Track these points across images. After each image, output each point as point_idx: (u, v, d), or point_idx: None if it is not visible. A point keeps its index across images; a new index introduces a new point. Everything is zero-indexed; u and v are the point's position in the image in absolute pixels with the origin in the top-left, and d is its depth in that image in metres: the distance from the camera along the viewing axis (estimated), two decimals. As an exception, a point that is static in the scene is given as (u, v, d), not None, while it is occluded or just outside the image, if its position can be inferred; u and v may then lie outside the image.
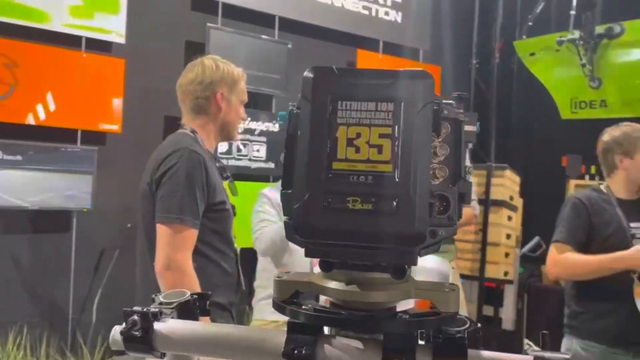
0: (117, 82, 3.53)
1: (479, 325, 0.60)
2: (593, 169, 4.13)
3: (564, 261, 2.29)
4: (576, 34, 4.10)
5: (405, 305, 0.61)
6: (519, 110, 5.02)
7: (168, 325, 0.64)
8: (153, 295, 0.71)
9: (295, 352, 0.57)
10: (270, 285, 3.10)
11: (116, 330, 0.79)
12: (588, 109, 4.17)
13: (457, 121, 0.46)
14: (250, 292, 3.03)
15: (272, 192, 2.97)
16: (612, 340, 2.27)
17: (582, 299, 2.43)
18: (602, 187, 2.49)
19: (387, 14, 4.64)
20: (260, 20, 4.04)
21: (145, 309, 0.64)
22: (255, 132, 3.98)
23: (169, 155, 1.75)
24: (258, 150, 4.01)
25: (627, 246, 2.28)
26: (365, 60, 4.54)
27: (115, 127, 3.56)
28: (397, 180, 0.40)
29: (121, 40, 3.51)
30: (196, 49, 3.56)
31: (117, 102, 3.55)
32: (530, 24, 4.70)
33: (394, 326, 0.57)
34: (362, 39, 4.50)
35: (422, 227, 0.39)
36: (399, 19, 4.71)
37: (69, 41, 3.37)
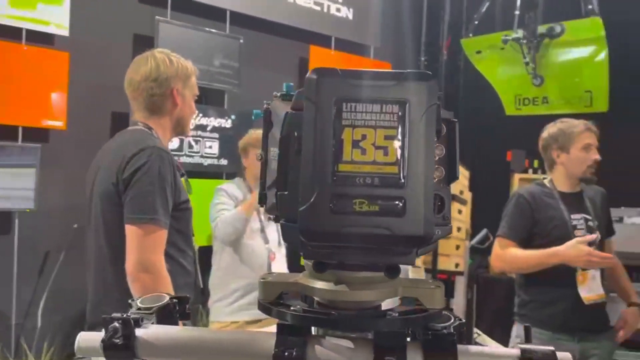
0: (60, 76, 3.37)
1: (463, 320, 0.62)
2: (536, 163, 4.31)
3: (507, 256, 2.39)
4: (520, 33, 4.26)
5: (391, 303, 0.62)
6: (466, 106, 5.17)
7: (150, 332, 0.62)
8: (130, 301, 0.69)
9: (286, 354, 0.56)
10: (224, 285, 3.05)
11: (82, 337, 0.76)
12: (531, 105, 4.34)
13: (451, 122, 0.46)
14: (204, 291, 2.99)
15: (230, 186, 3.00)
16: (557, 326, 2.38)
17: (530, 288, 2.54)
18: (546, 182, 2.61)
19: (338, 10, 4.66)
20: (211, 14, 3.97)
21: (125, 316, 0.61)
22: (208, 129, 3.91)
23: (135, 154, 1.70)
24: (210, 147, 3.95)
25: (568, 237, 2.40)
26: (318, 56, 4.54)
27: (59, 124, 3.41)
28: (403, 181, 0.40)
29: (65, 32, 3.36)
30: (144, 43, 3.45)
31: (61, 98, 3.40)
32: (476, 22, 4.84)
33: (385, 325, 0.57)
34: (314, 35, 4.50)
35: (429, 228, 0.40)
36: (350, 16, 4.74)
37: (9, 33, 3.20)
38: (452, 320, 0.61)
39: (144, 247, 1.67)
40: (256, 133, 3.11)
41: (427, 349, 0.56)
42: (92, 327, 1.83)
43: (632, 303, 2.54)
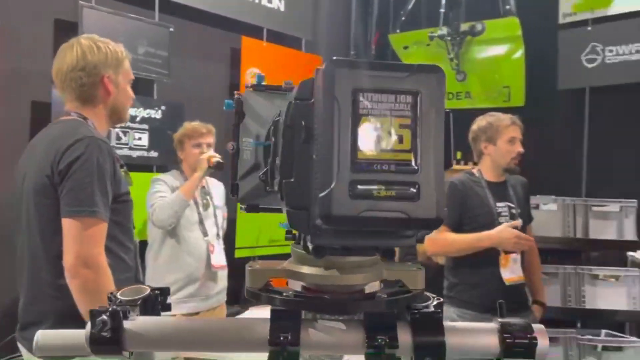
0: (-27, 62, 3.12)
1: (442, 299, 0.66)
2: (459, 155, 4.52)
3: (441, 240, 2.53)
4: (445, 30, 4.45)
5: (375, 286, 0.65)
6: (394, 100, 5.32)
7: (138, 323, 0.61)
8: (109, 294, 0.67)
9: (281, 338, 0.58)
10: (160, 279, 2.98)
11: (42, 335, 0.73)
12: (455, 99, 4.55)
13: (446, 112, 0.50)
14: (140, 286, 2.93)
15: (167, 177, 2.97)
16: (482, 307, 2.55)
17: (459, 271, 2.69)
18: (475, 171, 2.77)
19: (270, 1, 4.64)
20: (139, 0, 3.82)
21: (113, 308, 0.60)
22: (137, 120, 3.77)
23: (72, 144, 1.63)
24: (140, 139, 3.81)
25: (493, 224, 2.57)
26: (250, 47, 4.50)
27: (-28, 113, 3.16)
28: (417, 168, 0.43)
29: (-23, 15, 3.11)
30: (67, 29, 3.26)
31: (-26, 85, 3.15)
32: (403, 18, 4.99)
33: (375, 306, 0.60)
34: (246, 25, 4.45)
35: (441, 211, 0.43)
36: (282, 7, 4.73)
37: None
38: (431, 300, 0.65)
39: (83, 242, 1.61)
40: (191, 125, 3.05)
41: (415, 327, 0.59)
42: (25, 327, 1.74)
43: (537, 301, 2.79)
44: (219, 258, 3.00)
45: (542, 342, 0.58)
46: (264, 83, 0.87)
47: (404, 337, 0.59)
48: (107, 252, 1.68)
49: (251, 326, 0.61)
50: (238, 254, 4.18)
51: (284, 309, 0.60)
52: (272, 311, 0.61)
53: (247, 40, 4.49)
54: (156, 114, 3.90)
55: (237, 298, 4.55)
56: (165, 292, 0.68)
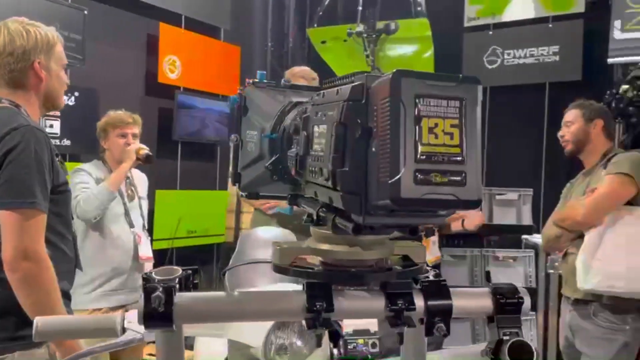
0: None
1: (438, 271, 0.78)
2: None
3: None
4: (362, 27, 4.64)
5: (387, 260, 0.76)
6: (310, 92, 5.45)
7: (184, 299, 0.67)
8: (144, 275, 0.72)
9: (317, 305, 0.67)
10: (86, 272, 2.87)
11: (41, 321, 0.77)
12: (370, 94, 4.77)
13: None
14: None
15: (89, 166, 2.86)
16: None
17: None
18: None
19: (188, -12, 4.56)
20: (50, -20, 3.60)
21: (166, 284, 0.65)
22: (49, 106, 3.56)
23: (7, 133, 1.57)
24: (52, 126, 3.61)
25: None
26: (168, 34, 4.40)
27: None
28: (463, 159, 0.54)
29: None
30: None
31: None
32: (320, 13, 5.13)
33: (394, 276, 0.71)
34: (164, 12, 4.35)
35: (481, 195, 0.54)
36: (201, -5, 4.67)
37: None
38: (430, 272, 0.77)
39: (23, 234, 1.56)
40: (116, 114, 2.95)
41: (427, 294, 0.71)
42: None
43: None
44: (146, 249, 2.95)
45: (526, 301, 0.72)
46: (265, 80, 0.94)
47: (418, 302, 0.70)
48: (47, 243, 1.64)
49: (290, 297, 0.69)
50: (156, 245, 4.11)
51: (318, 281, 0.69)
52: (307, 284, 0.69)
53: (165, 27, 4.39)
54: (69, 100, 3.71)
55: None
56: (195, 271, 0.74)
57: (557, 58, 4.22)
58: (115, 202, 2.81)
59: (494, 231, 3.79)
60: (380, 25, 4.64)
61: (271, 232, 2.23)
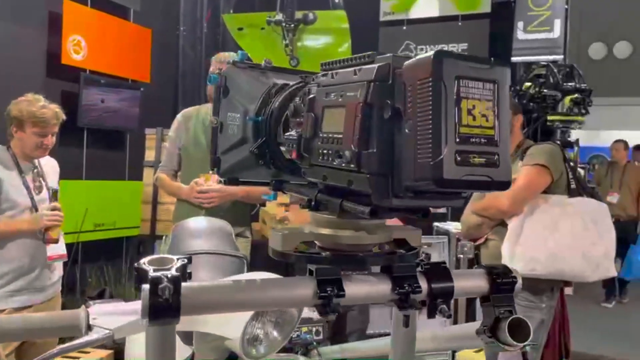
0: None
1: (429, 254, 0.80)
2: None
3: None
4: (281, 16, 4.60)
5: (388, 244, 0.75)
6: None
7: (194, 288, 0.62)
8: (136, 266, 0.66)
9: (329, 290, 0.65)
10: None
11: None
12: (288, 84, 4.76)
13: None
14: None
15: None
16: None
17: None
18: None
19: (96, -36, 4.25)
20: None
21: (172, 275, 0.61)
22: None
23: None
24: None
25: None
26: (72, 12, 4.08)
27: None
28: (497, 140, 0.55)
29: None
30: None
31: None
32: (236, -1, 5.01)
33: (400, 259, 0.71)
34: (69, -13, 4.02)
35: (510, 177, 0.55)
36: (109, -27, 4.37)
37: None
38: (424, 255, 0.78)
39: None
40: (42, 111, 2.62)
41: (429, 276, 0.71)
42: None
43: None
44: (57, 247, 2.72)
45: (519, 281, 0.75)
46: (246, 60, 0.90)
47: (422, 284, 0.71)
48: None
49: (299, 283, 0.66)
50: (61, 240, 3.82)
51: (327, 267, 0.67)
52: (317, 270, 0.67)
53: (69, 4, 4.06)
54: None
55: (70, 287, 4.16)
56: (189, 260, 0.69)
57: (465, 55, 4.46)
58: (20, 194, 2.57)
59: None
60: (298, 15, 4.63)
61: (206, 222, 2.15)
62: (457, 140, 0.52)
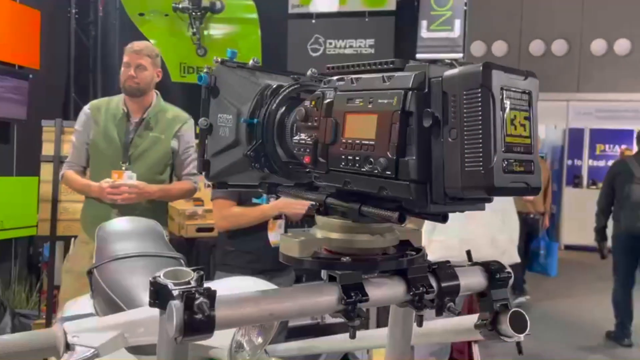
0: None
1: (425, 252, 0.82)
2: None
3: (231, 215, 2.60)
4: (187, 3, 4.43)
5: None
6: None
7: (226, 302, 0.60)
8: (153, 281, 0.62)
9: (352, 295, 0.66)
10: None
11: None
12: (195, 74, 4.60)
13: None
14: None
15: None
16: (255, 270, 2.78)
17: (235, 240, 2.84)
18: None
19: None
20: None
21: (206, 289, 0.57)
22: None
23: None
24: None
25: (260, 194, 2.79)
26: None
27: None
28: (532, 149, 0.58)
29: None
30: None
31: None
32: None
33: (413, 262, 0.73)
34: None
35: (541, 183, 0.59)
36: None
37: None
38: (424, 252, 0.80)
39: None
40: None
41: (439, 276, 0.74)
42: None
43: None
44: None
45: (512, 276, 0.80)
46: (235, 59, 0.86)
47: (433, 283, 0.73)
48: None
49: (322, 290, 0.65)
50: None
51: (349, 272, 0.67)
52: (339, 276, 0.67)
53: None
54: None
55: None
56: (203, 270, 0.65)
57: (372, 50, 4.60)
58: None
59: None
60: (206, 2, 4.49)
61: (135, 223, 2.04)
62: (504, 149, 0.55)
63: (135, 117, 2.67)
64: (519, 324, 0.76)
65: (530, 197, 6.06)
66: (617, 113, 9.03)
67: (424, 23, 4.24)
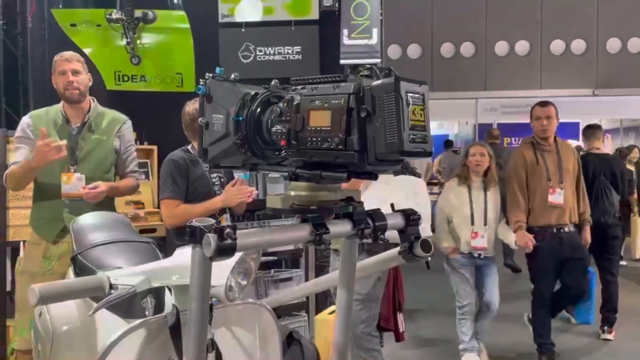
0: None
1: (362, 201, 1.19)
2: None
3: (180, 213, 2.80)
4: (121, 13, 4.58)
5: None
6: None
7: (242, 232, 0.93)
8: (189, 224, 0.93)
9: (319, 229, 1.01)
10: None
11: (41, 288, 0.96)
12: (130, 82, 4.76)
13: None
14: None
15: None
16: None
17: (182, 236, 3.08)
18: (189, 148, 3.18)
19: None
20: None
21: (228, 224, 0.90)
22: None
23: None
24: None
25: (210, 192, 3.02)
26: None
27: None
28: (426, 127, 0.95)
29: None
30: None
31: None
32: (65, -6, 4.82)
33: (355, 208, 1.09)
34: None
35: (433, 149, 0.97)
36: None
37: None
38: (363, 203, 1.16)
39: None
40: None
41: (373, 217, 1.11)
42: None
43: None
44: None
45: (422, 217, 1.18)
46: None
47: (370, 223, 1.10)
48: None
49: (297, 227, 1.00)
50: None
51: (316, 215, 1.02)
52: (308, 218, 1.02)
53: None
54: None
55: None
56: (216, 218, 0.98)
57: (300, 57, 4.96)
58: None
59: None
60: (138, 13, 4.66)
61: (105, 216, 2.30)
62: (409, 128, 0.92)
63: (75, 122, 2.88)
64: (426, 248, 1.14)
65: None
66: (519, 108, 9.98)
67: (345, 31, 4.66)
